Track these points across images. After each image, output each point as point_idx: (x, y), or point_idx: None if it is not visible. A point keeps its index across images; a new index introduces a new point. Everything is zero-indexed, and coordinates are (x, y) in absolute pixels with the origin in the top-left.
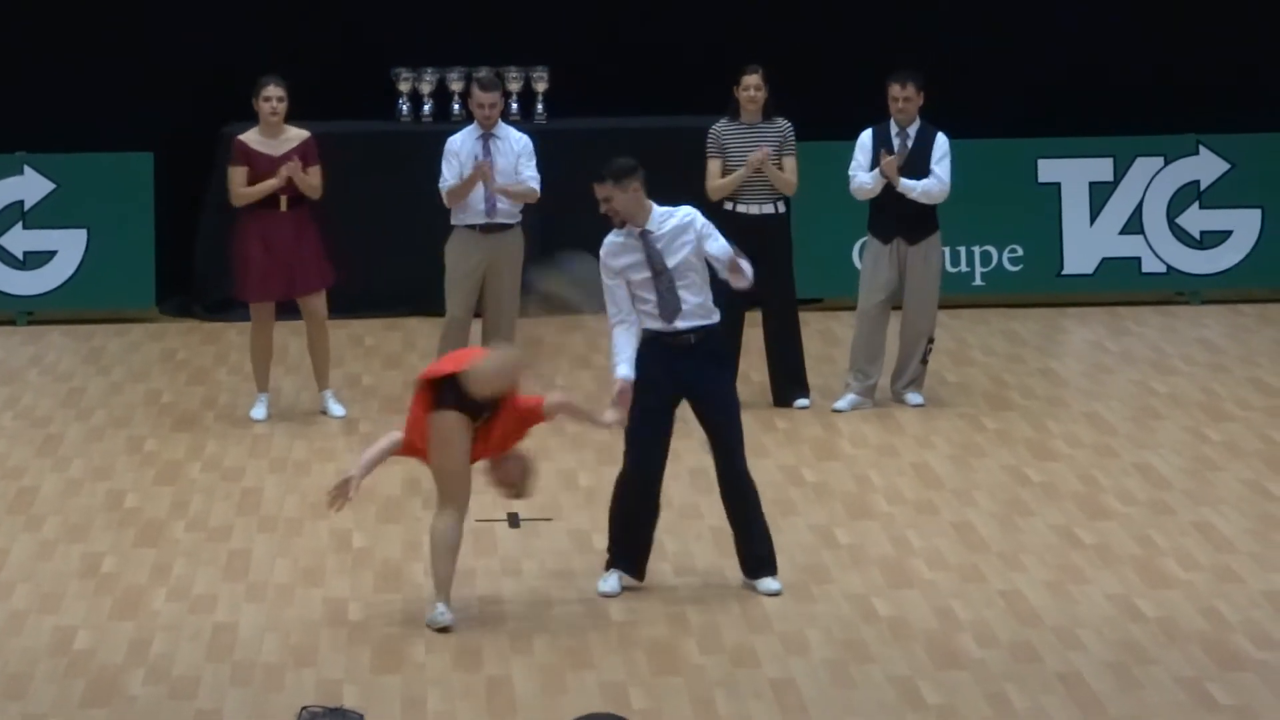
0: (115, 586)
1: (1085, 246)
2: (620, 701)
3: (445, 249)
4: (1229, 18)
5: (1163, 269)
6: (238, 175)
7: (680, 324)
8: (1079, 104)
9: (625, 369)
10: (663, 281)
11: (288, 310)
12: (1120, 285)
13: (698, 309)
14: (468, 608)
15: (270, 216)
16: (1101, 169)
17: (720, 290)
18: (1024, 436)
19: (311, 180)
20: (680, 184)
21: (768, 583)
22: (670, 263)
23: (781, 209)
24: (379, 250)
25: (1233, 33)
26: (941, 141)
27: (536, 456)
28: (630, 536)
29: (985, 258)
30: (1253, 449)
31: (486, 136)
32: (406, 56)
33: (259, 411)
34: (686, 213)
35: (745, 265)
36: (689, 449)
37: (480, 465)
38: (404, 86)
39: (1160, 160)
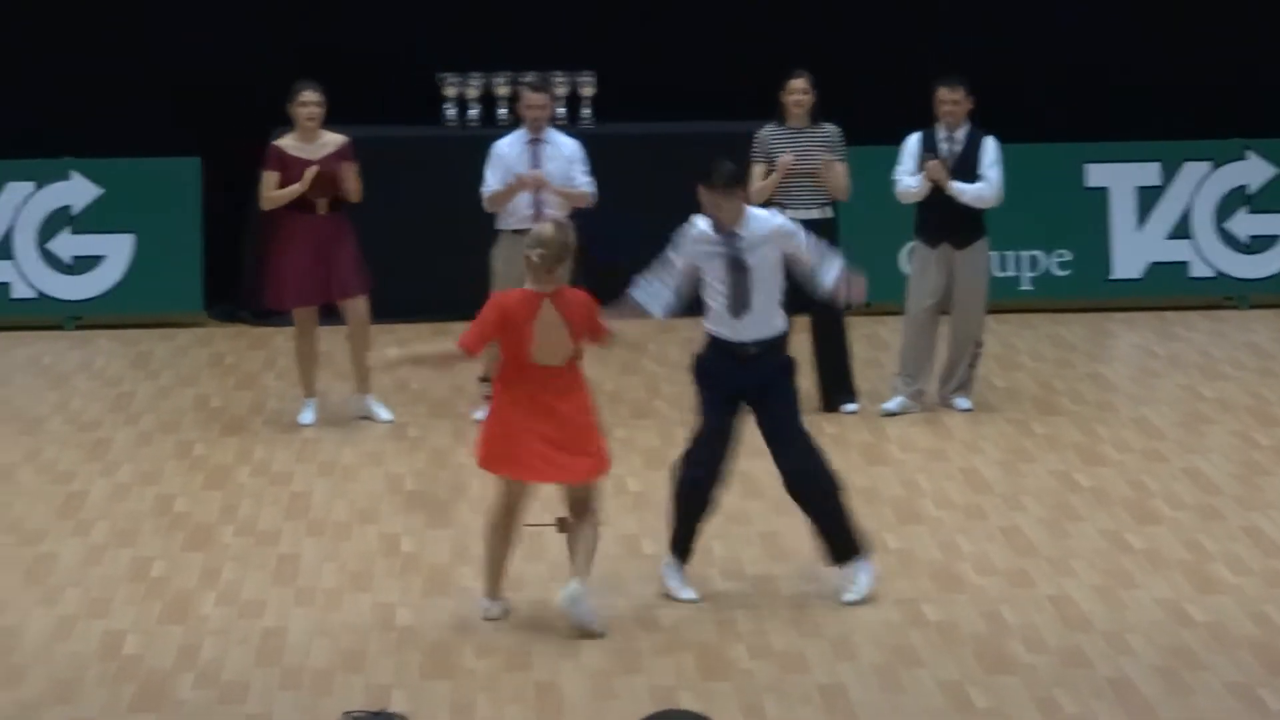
0: (164, 591)
1: (1133, 251)
2: (669, 707)
3: (492, 253)
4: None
5: (1211, 273)
6: (269, 180)
7: (744, 334)
8: (1126, 108)
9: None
10: (739, 279)
11: (333, 316)
12: (1168, 290)
13: (763, 314)
14: (516, 612)
15: (309, 220)
16: (1149, 173)
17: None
18: (1073, 441)
19: (348, 184)
20: None
21: (862, 567)
22: (751, 261)
23: (829, 214)
24: (425, 255)
25: None
26: (991, 145)
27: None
28: (684, 512)
29: (1033, 262)
30: None
31: (535, 141)
32: (453, 61)
33: (307, 416)
34: (779, 219)
35: (857, 281)
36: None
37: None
38: (450, 91)
39: (1208, 165)
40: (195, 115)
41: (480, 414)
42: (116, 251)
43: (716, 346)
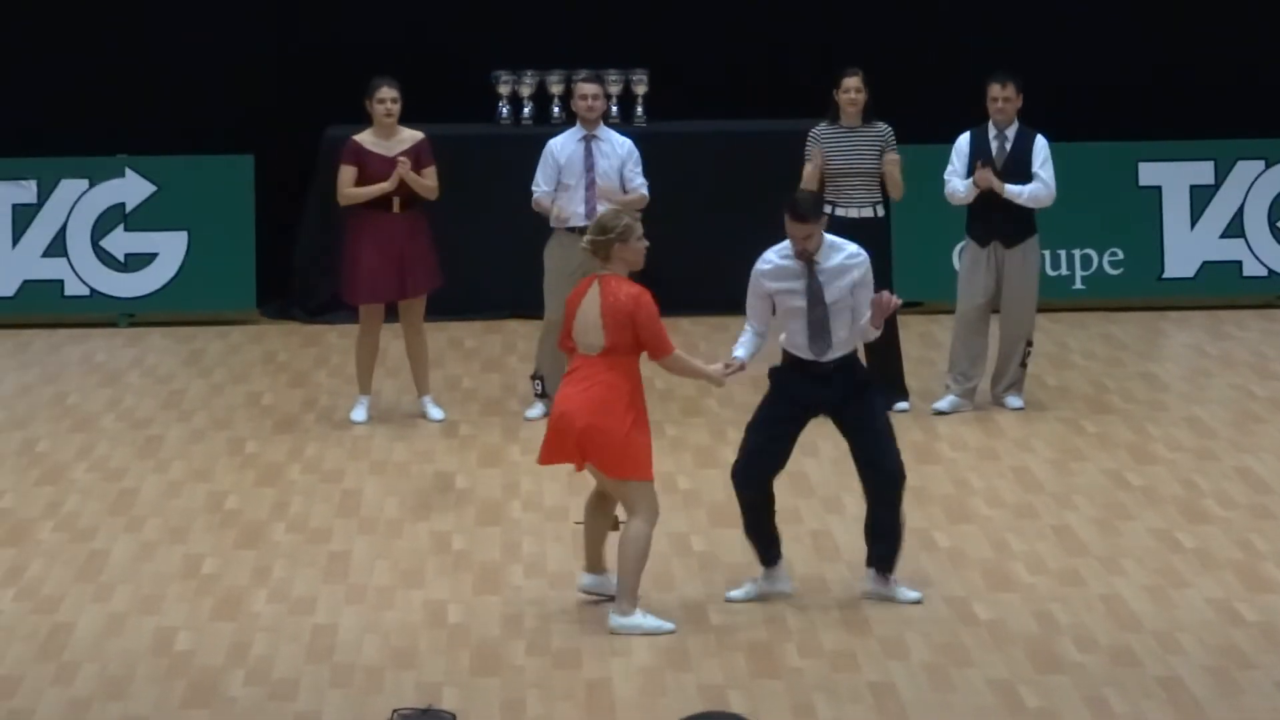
0: (216, 588)
1: (1186, 250)
2: (719, 705)
3: (544, 251)
4: None
5: (1264, 272)
6: (347, 174)
7: (824, 355)
8: (1179, 107)
9: (741, 352)
10: (817, 314)
11: (389, 314)
12: (1221, 289)
13: (845, 343)
14: (567, 611)
15: (384, 218)
16: (1202, 172)
17: None
18: (1124, 440)
19: (427, 181)
20: (779, 187)
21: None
22: (829, 297)
23: (880, 212)
24: (478, 253)
25: None
26: (1041, 144)
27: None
28: (755, 522)
29: (1085, 261)
30: None
31: (589, 139)
32: (506, 60)
33: (359, 414)
34: (856, 251)
35: (880, 305)
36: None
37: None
38: (504, 89)
39: (1261, 164)
40: (249, 113)
41: (533, 412)
42: (170, 249)
43: (793, 368)
